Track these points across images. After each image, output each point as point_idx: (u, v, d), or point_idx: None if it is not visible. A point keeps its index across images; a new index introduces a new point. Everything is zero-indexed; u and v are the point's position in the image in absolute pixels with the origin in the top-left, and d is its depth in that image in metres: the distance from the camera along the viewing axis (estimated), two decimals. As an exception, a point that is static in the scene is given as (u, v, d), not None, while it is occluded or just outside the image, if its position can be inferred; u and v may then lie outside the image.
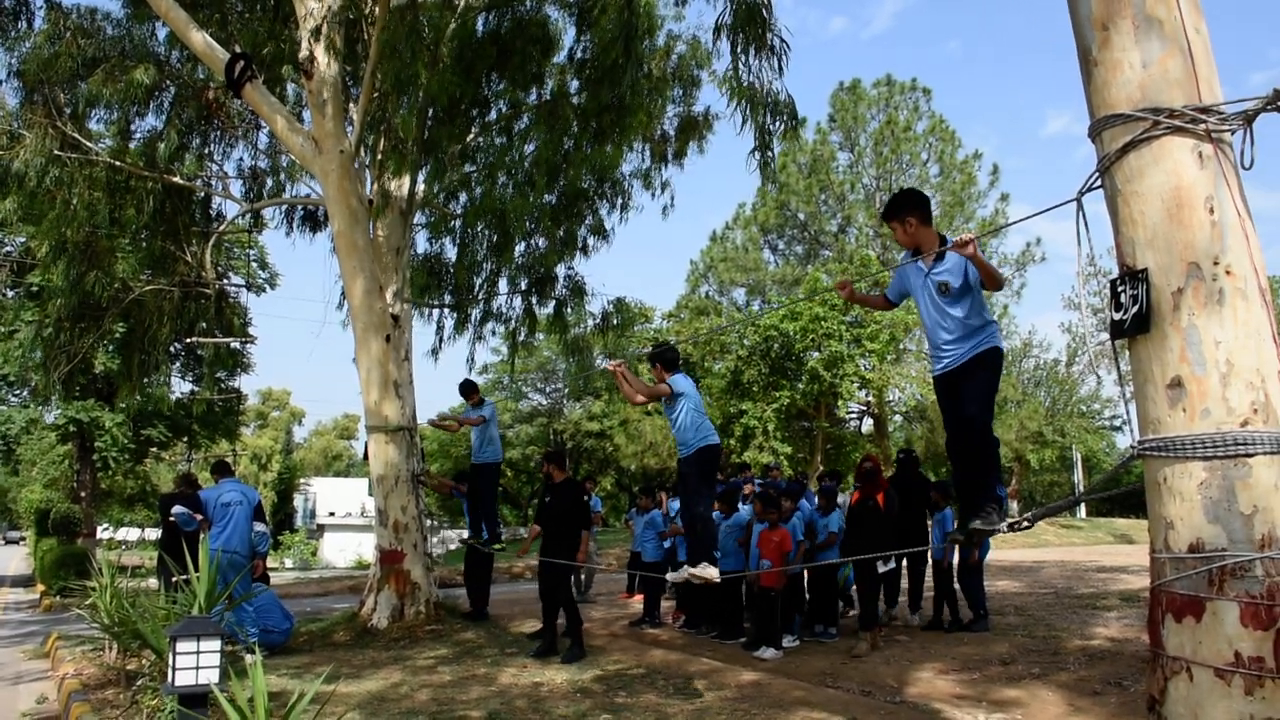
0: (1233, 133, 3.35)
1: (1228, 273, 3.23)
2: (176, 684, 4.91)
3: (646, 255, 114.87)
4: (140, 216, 12.84)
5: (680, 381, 7.32)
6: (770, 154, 9.24)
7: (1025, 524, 4.69)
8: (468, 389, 11.71)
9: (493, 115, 13.84)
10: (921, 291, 5.11)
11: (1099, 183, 3.65)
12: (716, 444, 7.36)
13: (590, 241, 14.82)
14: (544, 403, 43.56)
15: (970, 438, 4.95)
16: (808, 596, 10.31)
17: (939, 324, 5.04)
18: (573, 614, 9.11)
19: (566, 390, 42.18)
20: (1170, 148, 3.34)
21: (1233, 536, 3.11)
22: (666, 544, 11.51)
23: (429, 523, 11.54)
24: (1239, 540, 3.10)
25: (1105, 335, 3.77)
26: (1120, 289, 3.44)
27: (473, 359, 15.70)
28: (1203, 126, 3.30)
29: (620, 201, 14.79)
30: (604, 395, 38.39)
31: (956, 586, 10.18)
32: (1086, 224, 3.85)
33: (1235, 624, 3.07)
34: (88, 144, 12.38)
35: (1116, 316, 3.46)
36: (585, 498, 10.00)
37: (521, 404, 43.12)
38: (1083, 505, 38.11)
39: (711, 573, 6.97)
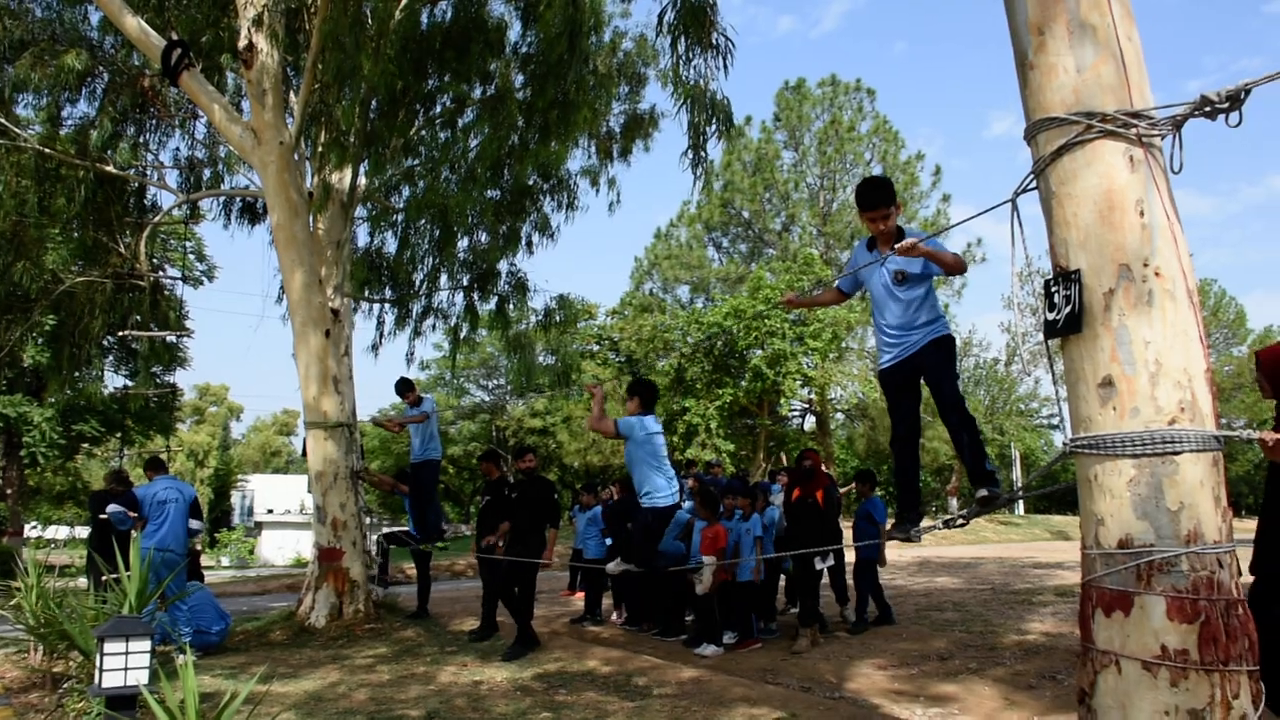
0: (1163, 137, 3.41)
1: (1157, 274, 3.29)
2: (104, 686, 4.80)
3: (591, 252, 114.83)
4: (71, 206, 12.47)
5: (630, 423, 7.16)
6: (703, 154, 9.23)
7: (961, 520, 4.75)
8: (403, 387, 11.63)
9: (437, 109, 13.69)
10: (876, 280, 5.10)
11: (1034, 184, 3.70)
12: (664, 507, 7.26)
13: (535, 239, 14.77)
14: (486, 399, 43.30)
15: (954, 419, 4.93)
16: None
17: (892, 313, 5.05)
18: (529, 611, 9.16)
19: (509, 387, 41.96)
20: (1102, 151, 3.39)
21: (1160, 532, 3.17)
22: (609, 540, 11.49)
23: (368, 520, 11.39)
24: (1166, 536, 3.16)
25: (1041, 335, 3.83)
26: (1054, 289, 3.50)
27: (412, 355, 15.53)
28: (1134, 131, 3.36)
29: (566, 199, 14.75)
30: (547, 392, 38.28)
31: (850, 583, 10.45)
32: (1021, 225, 3.91)
33: (1162, 618, 3.13)
34: (15, 130, 12.00)
35: (1050, 316, 3.51)
36: (555, 495, 10.00)
37: (463, 400, 42.82)
38: (1021, 502, 38.83)
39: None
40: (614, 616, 11.27)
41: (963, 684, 7.17)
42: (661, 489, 7.22)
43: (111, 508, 9.68)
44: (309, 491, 11.46)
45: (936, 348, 4.96)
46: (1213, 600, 3.12)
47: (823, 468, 9.83)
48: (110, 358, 25.51)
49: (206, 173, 14.74)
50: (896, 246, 4.79)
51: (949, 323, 5.12)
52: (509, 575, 9.13)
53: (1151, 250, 3.30)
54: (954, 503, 36.88)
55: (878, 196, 5.04)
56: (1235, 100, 3.23)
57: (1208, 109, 3.28)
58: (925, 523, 5.21)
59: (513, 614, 9.12)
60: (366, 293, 14.89)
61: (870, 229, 5.16)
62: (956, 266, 4.89)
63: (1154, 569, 3.17)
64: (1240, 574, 3.25)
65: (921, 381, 5.13)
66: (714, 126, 9.13)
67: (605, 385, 8.55)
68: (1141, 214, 3.33)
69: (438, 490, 11.54)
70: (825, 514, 9.09)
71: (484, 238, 14.35)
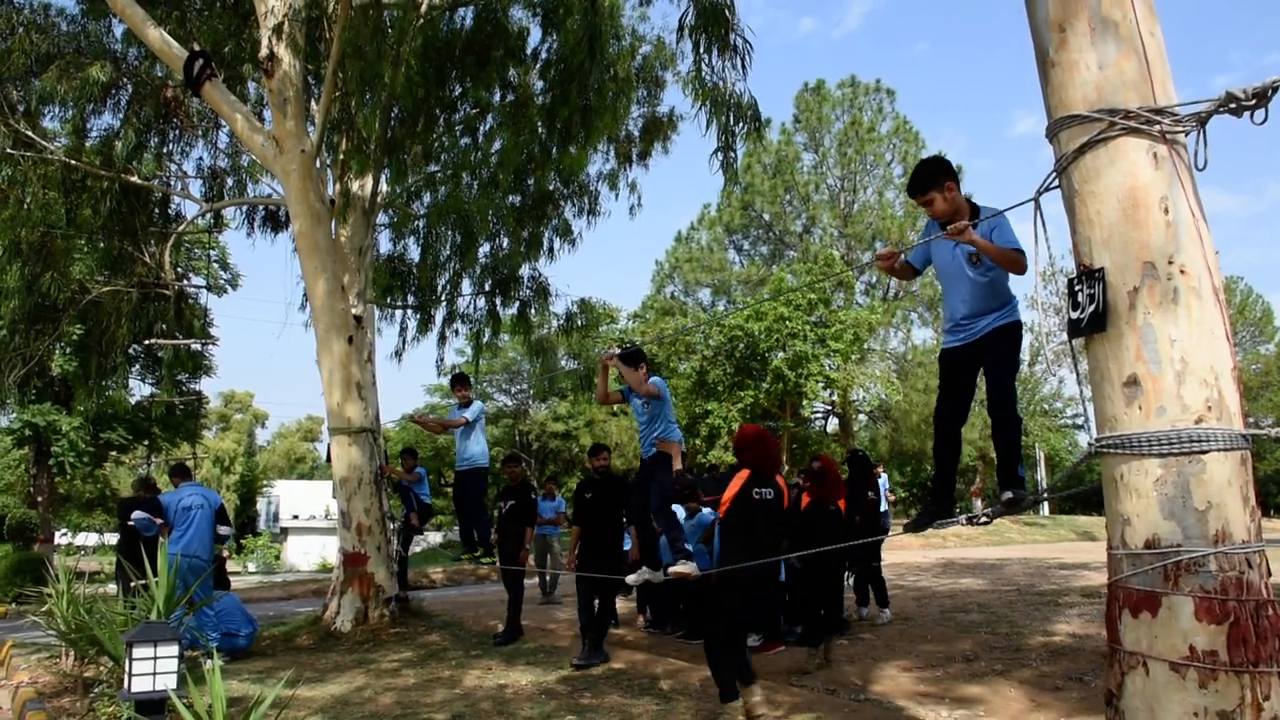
0: (1186, 134, 3.39)
1: (1182, 272, 3.26)
2: (133, 690, 4.84)
3: (612, 252, 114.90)
4: (97, 217, 12.65)
5: (660, 383, 7.49)
6: (733, 155, 9.23)
7: (985, 519, 4.72)
8: (458, 381, 10.93)
9: (458, 115, 13.77)
10: (950, 261, 4.88)
11: (1057, 183, 3.68)
12: (676, 439, 7.51)
13: (556, 244, 14.79)
14: (509, 404, 43.42)
15: (999, 413, 4.81)
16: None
17: (960, 295, 4.85)
18: (605, 615, 8.92)
19: (532, 391, 42.07)
20: (1126, 148, 3.37)
21: (1188, 532, 3.14)
22: (625, 545, 11.41)
23: (392, 525, 11.42)
24: (1194, 536, 3.14)
25: (1065, 334, 3.80)
26: (1078, 288, 3.48)
27: (442, 361, 15.67)
28: (1157, 128, 3.34)
29: (587, 205, 14.77)
30: (569, 396, 38.33)
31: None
32: (1044, 224, 3.89)
33: (1190, 618, 3.11)
34: (42, 142, 12.17)
35: (1074, 316, 3.49)
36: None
37: (486, 405, 42.93)
38: (1046, 503, 38.56)
39: (690, 567, 6.96)
40: (638, 620, 11.25)
41: (988, 685, 7.12)
42: (674, 430, 7.47)
43: (137, 514, 9.77)
44: (333, 497, 11.48)
45: (1000, 337, 4.77)
46: (1242, 601, 3.09)
47: (841, 472, 9.61)
48: (136, 366, 25.74)
49: (229, 182, 14.91)
50: (948, 229, 4.61)
51: (1019, 305, 4.84)
52: (593, 585, 8.73)
53: (1176, 248, 3.28)
54: (977, 503, 36.68)
55: (917, 184, 4.87)
56: (1262, 97, 3.20)
57: (1233, 106, 3.25)
58: (945, 519, 5.12)
59: (583, 626, 8.76)
60: (389, 299, 14.98)
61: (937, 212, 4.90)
62: (1003, 260, 4.57)
63: (1182, 569, 3.14)
64: (1270, 574, 3.22)
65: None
66: (742, 126, 9.13)
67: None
68: (1166, 211, 3.30)
69: (484, 502, 10.86)
70: (847, 525, 8.69)
71: (505, 243, 14.41)
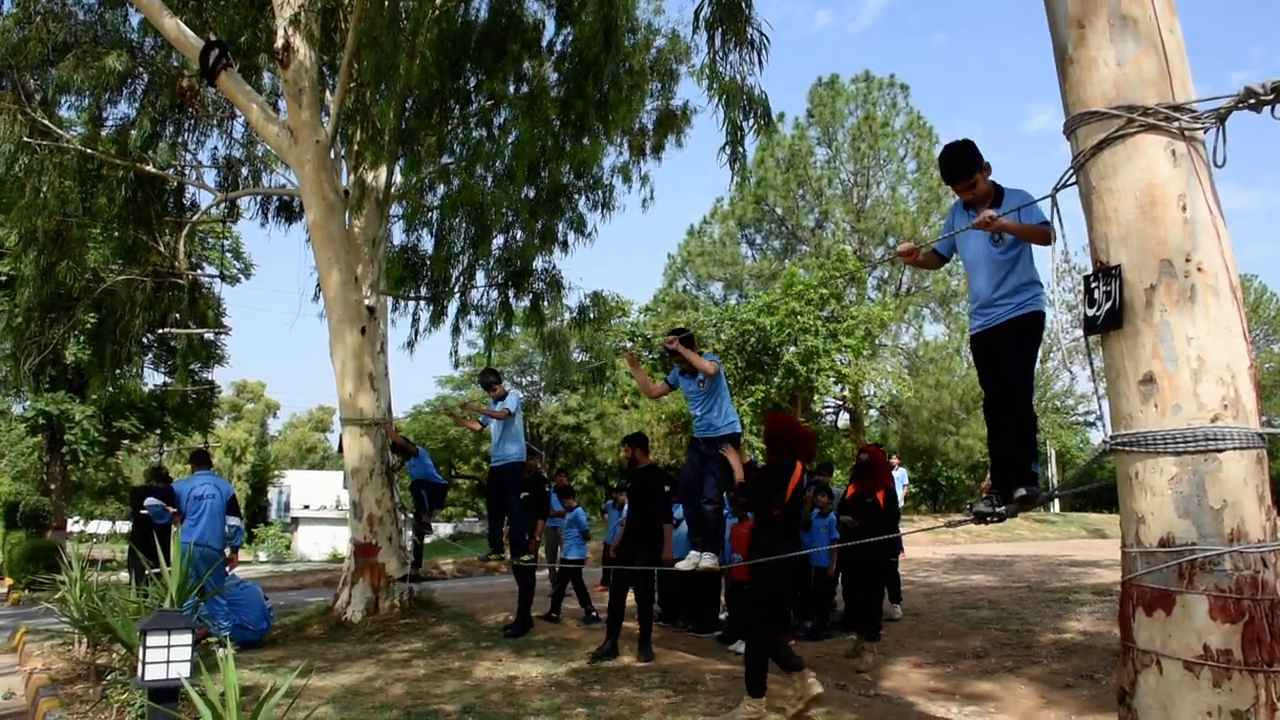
0: (1205, 131, 3.38)
1: (1199, 269, 3.25)
2: (146, 678, 4.86)
3: (624, 243, 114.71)
4: (112, 205, 12.69)
5: (717, 359, 7.42)
6: (742, 150, 9.17)
7: (996, 517, 4.71)
8: (490, 379, 10.63)
9: (472, 107, 13.76)
10: (975, 241, 4.88)
11: (1074, 179, 3.67)
12: (739, 432, 7.44)
13: (570, 237, 14.78)
14: (521, 395, 43.47)
15: (1013, 408, 4.81)
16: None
17: (984, 277, 4.86)
18: (647, 609, 8.55)
19: (543, 383, 42.10)
20: (1144, 145, 3.36)
21: (1203, 531, 3.14)
22: None
23: (403, 516, 11.44)
24: (1209, 534, 3.13)
25: (1079, 331, 3.78)
26: (1094, 285, 3.47)
27: (455, 352, 15.71)
28: (1176, 125, 3.33)
29: (601, 198, 14.75)
30: (580, 389, 38.33)
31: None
32: (1061, 220, 3.89)
33: (1204, 617, 3.10)
34: (58, 131, 12.21)
35: (1090, 312, 3.49)
36: (666, 488, 9.07)
37: (497, 397, 42.92)
38: (1056, 500, 38.50)
39: (714, 560, 6.98)
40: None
41: (999, 682, 7.12)
42: (734, 415, 7.45)
43: (149, 501, 9.81)
44: (345, 487, 11.50)
45: (1019, 324, 4.76)
46: (1257, 600, 3.08)
47: (892, 463, 9.49)
48: (150, 355, 25.83)
49: (244, 171, 14.93)
50: (972, 222, 4.64)
51: (1043, 294, 4.81)
52: (624, 579, 8.53)
53: (1194, 245, 3.27)
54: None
55: (957, 168, 4.85)
56: (1280, 93, 3.18)
57: (1252, 101, 3.24)
58: (957, 516, 5.13)
59: (609, 620, 8.50)
60: (402, 290, 14.99)
61: (962, 197, 4.97)
62: (1029, 235, 4.60)
63: (1196, 568, 3.13)
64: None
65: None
66: (752, 122, 9.08)
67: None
68: (1184, 209, 3.29)
69: (519, 499, 10.40)
70: (887, 518, 8.62)
71: (519, 235, 14.41)
